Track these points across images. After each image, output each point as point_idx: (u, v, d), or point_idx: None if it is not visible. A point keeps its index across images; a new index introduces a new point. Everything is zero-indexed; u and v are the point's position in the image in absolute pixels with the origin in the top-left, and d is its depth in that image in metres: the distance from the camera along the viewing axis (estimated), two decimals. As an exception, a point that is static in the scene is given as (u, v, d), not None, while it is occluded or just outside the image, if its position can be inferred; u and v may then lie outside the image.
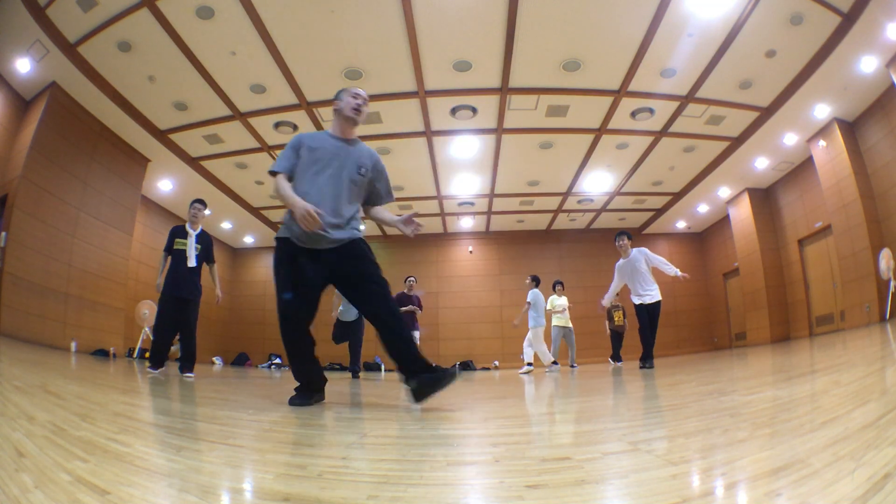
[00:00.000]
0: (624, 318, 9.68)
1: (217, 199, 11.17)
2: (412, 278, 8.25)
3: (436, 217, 13.02)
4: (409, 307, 7.81)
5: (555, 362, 7.98)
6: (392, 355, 2.40)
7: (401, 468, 1.10)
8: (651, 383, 3.60)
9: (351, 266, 2.49)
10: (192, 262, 5.18)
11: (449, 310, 13.50)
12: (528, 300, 8.12)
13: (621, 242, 6.30)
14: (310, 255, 2.47)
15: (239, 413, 2.15)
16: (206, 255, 5.36)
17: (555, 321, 9.03)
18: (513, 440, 1.46)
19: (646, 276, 6.13)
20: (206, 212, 5.67)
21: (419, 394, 2.33)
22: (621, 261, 6.36)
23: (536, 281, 8.33)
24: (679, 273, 6.14)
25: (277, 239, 2.54)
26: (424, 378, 2.32)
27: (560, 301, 9.08)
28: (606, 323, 9.90)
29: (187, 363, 5.15)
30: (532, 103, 7.94)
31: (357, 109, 2.63)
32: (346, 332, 7.05)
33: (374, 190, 2.72)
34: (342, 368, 11.62)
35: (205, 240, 5.38)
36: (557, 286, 9.23)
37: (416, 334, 7.92)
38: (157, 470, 1.02)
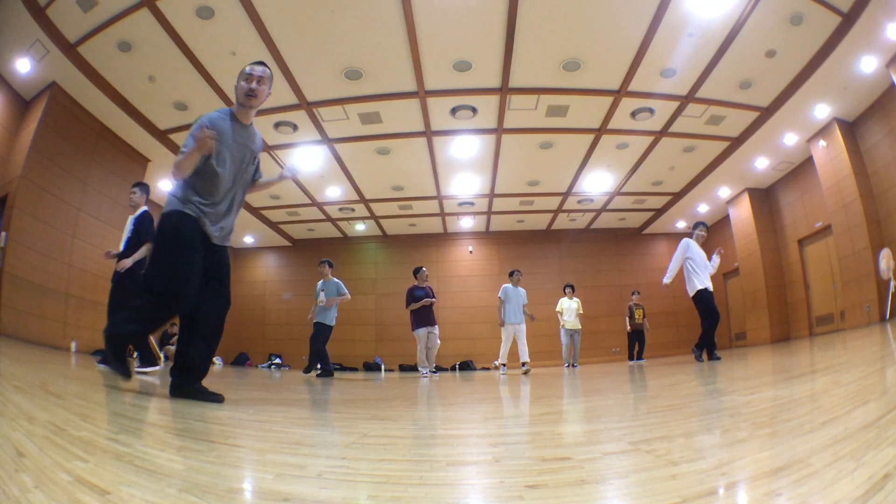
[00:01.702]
0: (644, 317, 9.73)
1: (217, 199, 11.17)
2: (425, 269, 7.86)
3: (436, 217, 13.01)
4: (428, 300, 7.48)
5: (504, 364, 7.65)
6: (189, 353, 2.48)
7: (401, 468, 1.10)
8: (651, 383, 3.60)
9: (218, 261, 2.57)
10: (119, 249, 4.98)
11: (449, 310, 13.49)
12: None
13: (703, 232, 6.74)
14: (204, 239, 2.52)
15: (239, 413, 2.15)
16: (137, 237, 4.92)
17: (565, 325, 9.06)
18: (513, 440, 1.46)
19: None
20: (141, 195, 5.17)
21: (176, 389, 2.48)
22: (697, 247, 6.60)
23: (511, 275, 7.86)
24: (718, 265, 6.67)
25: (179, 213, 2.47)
26: (191, 387, 2.46)
27: (567, 304, 9.09)
28: (626, 320, 9.91)
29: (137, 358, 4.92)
30: (532, 103, 7.93)
31: (249, 95, 2.54)
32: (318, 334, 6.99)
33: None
34: (342, 368, 11.63)
35: (140, 222, 4.97)
36: (567, 289, 9.26)
37: (436, 330, 7.54)
38: (157, 470, 1.02)
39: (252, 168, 2.71)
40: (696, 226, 6.87)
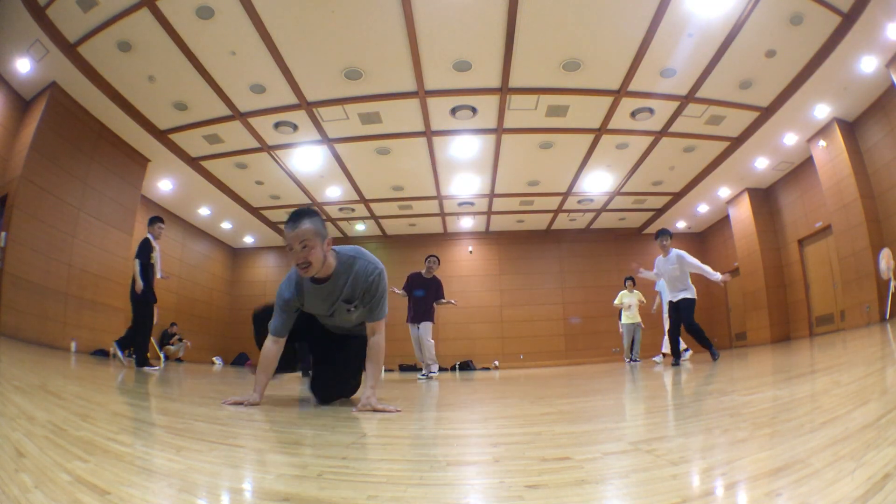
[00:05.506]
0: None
1: (217, 199, 11.18)
2: (434, 257, 6.80)
3: (436, 217, 13.01)
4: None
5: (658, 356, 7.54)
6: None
7: (401, 468, 1.10)
8: (651, 383, 3.60)
9: None
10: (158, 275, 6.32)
11: (449, 309, 13.46)
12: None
13: (664, 242, 6.32)
14: None
15: (239, 413, 2.15)
16: None
17: (624, 319, 8.95)
18: (513, 440, 1.46)
19: (680, 277, 6.22)
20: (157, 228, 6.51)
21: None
22: (660, 258, 6.39)
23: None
24: (720, 277, 6.14)
25: None
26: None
27: (628, 299, 8.96)
28: (619, 321, 9.86)
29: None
30: (532, 103, 7.93)
31: (301, 267, 2.12)
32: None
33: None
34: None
35: None
36: (628, 282, 9.11)
37: (430, 326, 6.56)
38: (157, 470, 1.02)
39: (354, 313, 2.35)
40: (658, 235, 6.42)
